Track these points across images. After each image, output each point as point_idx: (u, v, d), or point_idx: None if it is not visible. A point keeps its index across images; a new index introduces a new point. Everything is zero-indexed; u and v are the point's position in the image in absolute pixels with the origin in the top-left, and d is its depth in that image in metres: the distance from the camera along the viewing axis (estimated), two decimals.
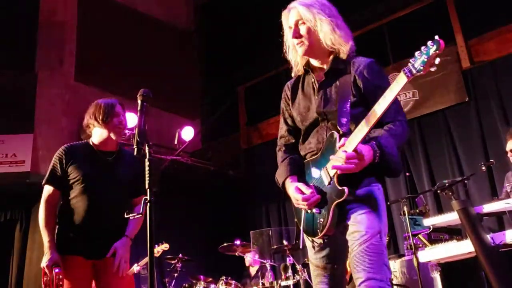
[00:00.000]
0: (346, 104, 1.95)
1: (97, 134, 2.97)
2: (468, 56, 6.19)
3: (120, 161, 2.98)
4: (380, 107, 1.80)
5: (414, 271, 4.41)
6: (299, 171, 2.14)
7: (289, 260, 5.34)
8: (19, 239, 6.87)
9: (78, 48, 7.33)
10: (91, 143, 2.97)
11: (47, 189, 2.91)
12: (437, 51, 1.69)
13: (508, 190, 4.21)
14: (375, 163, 1.87)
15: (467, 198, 5.57)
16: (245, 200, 7.98)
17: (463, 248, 3.65)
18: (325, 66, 2.13)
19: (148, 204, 2.06)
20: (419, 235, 4.67)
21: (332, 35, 2.04)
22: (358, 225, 1.90)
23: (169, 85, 8.11)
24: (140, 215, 2.10)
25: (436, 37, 1.71)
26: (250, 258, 5.99)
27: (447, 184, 3.67)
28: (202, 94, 8.86)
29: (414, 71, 1.72)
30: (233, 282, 5.52)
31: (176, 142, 6.96)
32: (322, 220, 1.96)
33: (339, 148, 1.87)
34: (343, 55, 2.09)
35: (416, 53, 1.73)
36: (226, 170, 7.78)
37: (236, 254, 5.61)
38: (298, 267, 5.37)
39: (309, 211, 2.02)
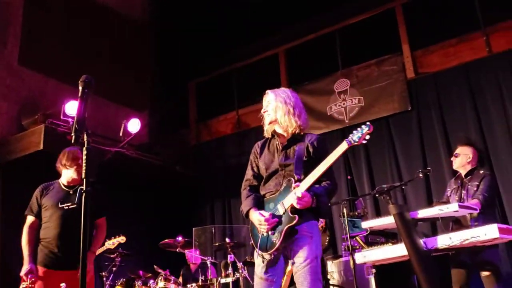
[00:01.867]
0: (300, 161, 2.76)
1: (64, 174, 3.82)
2: (413, 66, 6.44)
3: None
4: (323, 166, 2.62)
5: (351, 272, 4.52)
6: (260, 205, 2.84)
7: (230, 258, 5.35)
8: None
9: (23, 31, 7.01)
10: (60, 182, 3.82)
11: (29, 218, 3.76)
12: (368, 131, 2.63)
13: (448, 195, 4.40)
14: (312, 207, 2.66)
15: (404, 203, 5.79)
16: (191, 196, 7.92)
17: (397, 251, 3.76)
18: (285, 134, 2.92)
19: (84, 194, 2.01)
20: (357, 237, 4.79)
21: (283, 118, 2.89)
22: (302, 251, 2.62)
23: (118, 75, 7.90)
24: (75, 205, 2.05)
25: (368, 123, 2.65)
26: (191, 255, 5.96)
27: (385, 189, 3.77)
28: (153, 86, 8.71)
29: (352, 142, 2.64)
30: (172, 277, 5.47)
31: (121, 134, 6.80)
32: (275, 239, 2.65)
33: (294, 188, 2.66)
34: (299, 131, 2.89)
35: (354, 131, 2.65)
36: (173, 166, 7.67)
37: (177, 250, 5.56)
38: (239, 264, 5.39)
39: (265, 233, 2.69)
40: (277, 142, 2.93)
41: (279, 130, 2.93)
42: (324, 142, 2.90)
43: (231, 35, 7.94)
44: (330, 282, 5.22)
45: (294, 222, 2.60)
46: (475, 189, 4.15)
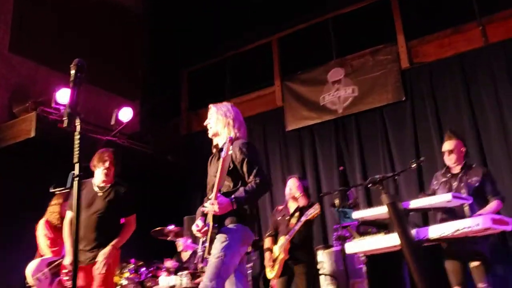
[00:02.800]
0: (224, 171, 2.96)
1: (95, 174, 4.10)
2: (408, 56, 6.43)
3: (109, 194, 4.03)
4: (216, 178, 2.95)
5: (341, 261, 4.54)
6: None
7: None
8: None
9: (14, 18, 6.90)
10: (92, 181, 4.10)
11: (68, 214, 4.04)
12: (229, 145, 2.93)
13: (435, 188, 4.38)
14: (234, 209, 2.89)
15: (396, 193, 5.81)
16: (182, 186, 7.90)
17: (389, 241, 3.75)
18: (217, 141, 3.22)
19: (77, 179, 1.98)
20: (348, 227, 4.81)
21: (223, 130, 3.15)
22: (213, 249, 2.89)
23: (110, 63, 7.82)
24: (68, 189, 2.02)
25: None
26: (182, 243, 5.94)
27: (378, 179, 3.77)
28: (145, 75, 8.63)
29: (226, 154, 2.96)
30: (163, 266, 5.47)
31: (113, 123, 6.75)
32: (205, 245, 2.98)
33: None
34: (229, 151, 3.01)
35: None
36: (164, 155, 7.63)
37: (168, 238, 5.55)
38: None
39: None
40: (217, 156, 3.14)
41: (220, 143, 3.16)
42: (246, 147, 3.08)
43: (224, 23, 7.88)
44: (321, 271, 5.24)
45: (211, 231, 2.92)
46: (477, 184, 4.05)
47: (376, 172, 5.87)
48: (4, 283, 5.86)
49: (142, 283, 5.60)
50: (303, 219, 4.70)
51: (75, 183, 1.95)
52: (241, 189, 2.96)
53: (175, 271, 5.51)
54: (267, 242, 5.11)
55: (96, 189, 4.04)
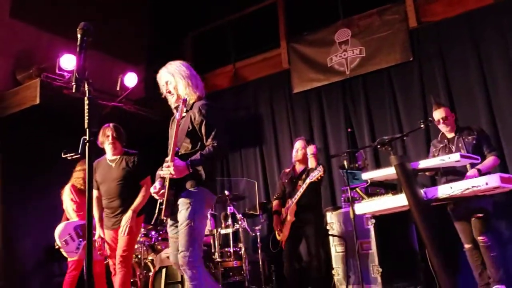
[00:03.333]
0: (183, 133, 3.01)
1: (106, 150, 4.39)
2: (416, 15, 6.28)
3: (121, 163, 4.33)
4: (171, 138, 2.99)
5: (350, 222, 4.58)
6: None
7: (230, 209, 5.41)
8: None
9: None
10: (106, 157, 4.41)
11: (94, 192, 4.31)
12: (183, 107, 3.03)
13: (436, 155, 4.42)
14: (192, 172, 2.90)
15: (405, 154, 5.80)
16: None
17: (397, 201, 3.78)
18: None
19: (87, 144, 1.98)
20: (357, 189, 4.82)
21: (184, 92, 3.14)
22: (180, 216, 2.93)
23: (113, 28, 7.68)
24: (79, 155, 2.02)
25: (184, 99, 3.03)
26: None
27: (386, 140, 3.77)
28: (149, 40, 8.51)
29: (178, 117, 3.02)
30: None
31: (118, 88, 6.70)
32: (162, 207, 2.98)
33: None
34: (191, 101, 3.13)
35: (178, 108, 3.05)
36: (169, 120, 7.60)
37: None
38: (238, 216, 5.46)
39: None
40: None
41: (177, 104, 3.14)
42: (206, 109, 3.05)
43: None
44: (330, 232, 5.30)
45: (171, 194, 2.93)
46: (474, 142, 4.25)
47: (384, 133, 5.84)
48: (30, 245, 6.03)
49: (152, 246, 5.70)
50: (308, 181, 4.72)
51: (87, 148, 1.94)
52: (198, 153, 2.96)
53: None
54: (274, 205, 5.16)
55: (109, 163, 4.34)
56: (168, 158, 2.89)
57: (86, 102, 2.02)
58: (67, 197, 4.99)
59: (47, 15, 6.89)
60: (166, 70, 3.23)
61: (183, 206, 2.92)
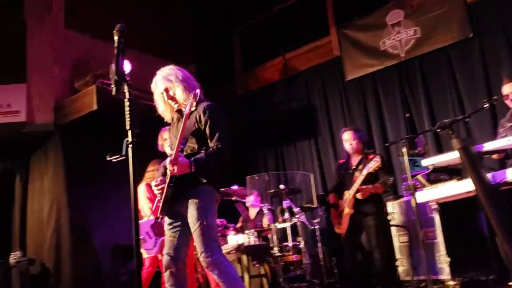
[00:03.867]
0: (188, 132, 2.97)
1: (167, 152, 4.24)
2: None
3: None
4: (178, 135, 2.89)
5: (412, 211, 4.38)
6: None
7: (286, 203, 5.32)
8: (20, 189, 6.89)
9: None
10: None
11: None
12: (193, 100, 2.94)
13: (503, 135, 4.12)
14: (194, 171, 2.85)
15: (468, 137, 5.48)
16: (242, 146, 7.91)
17: (463, 187, 3.55)
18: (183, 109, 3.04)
19: (130, 146, 1.96)
20: (418, 176, 4.60)
21: (182, 97, 3.08)
22: (190, 218, 2.89)
23: (162, 30, 7.83)
24: (123, 157, 2.01)
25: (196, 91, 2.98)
26: (250, 202, 6.00)
27: (447, 123, 3.55)
28: (197, 38, 8.58)
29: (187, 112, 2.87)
30: (231, 225, 5.55)
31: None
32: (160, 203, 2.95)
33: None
34: (193, 108, 2.96)
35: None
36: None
37: (233, 198, 5.59)
38: (295, 209, 5.36)
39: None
40: (181, 120, 3.04)
41: (183, 109, 3.06)
42: (211, 109, 3.04)
43: None
44: (391, 223, 5.11)
45: (170, 192, 2.89)
46: None
47: (445, 116, 5.56)
48: (98, 244, 6.28)
49: None
50: (365, 172, 4.53)
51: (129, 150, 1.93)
52: (203, 152, 2.93)
53: (243, 230, 5.59)
54: (330, 198, 5.02)
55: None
56: (173, 153, 2.84)
57: (127, 103, 2.00)
58: (143, 196, 5.08)
59: (99, 23, 7.09)
60: (162, 77, 3.21)
61: (192, 206, 2.90)
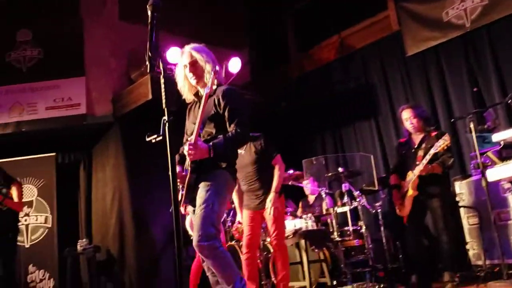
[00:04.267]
0: (206, 116, 2.84)
1: None
2: None
3: (249, 150, 4.50)
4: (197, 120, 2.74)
5: (483, 191, 4.05)
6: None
7: (345, 187, 5.12)
8: (84, 178, 7.14)
9: None
10: None
11: None
12: (214, 77, 2.76)
13: None
14: (213, 155, 2.73)
15: None
16: (299, 130, 7.74)
17: None
18: (201, 90, 2.97)
19: (167, 124, 1.88)
20: (488, 153, 4.26)
21: (208, 75, 2.88)
22: (198, 199, 2.76)
23: (214, 17, 7.78)
24: (161, 137, 1.94)
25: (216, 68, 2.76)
26: (308, 187, 5.85)
27: None
28: (249, 22, 8.45)
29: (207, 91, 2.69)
30: (288, 210, 5.44)
31: (223, 75, 6.72)
32: (183, 192, 2.84)
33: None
34: (214, 86, 2.82)
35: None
36: (278, 102, 7.48)
37: (289, 183, 5.45)
38: (355, 193, 5.15)
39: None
40: (198, 104, 2.95)
41: (201, 91, 2.98)
42: (230, 93, 2.91)
43: None
44: (460, 204, 4.78)
45: (192, 179, 2.79)
46: None
47: None
48: (159, 232, 6.41)
49: None
50: (432, 151, 4.22)
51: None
52: (221, 136, 2.80)
53: (302, 214, 5.46)
54: (392, 179, 4.75)
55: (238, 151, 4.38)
56: (192, 138, 2.72)
57: (162, 80, 1.92)
58: None
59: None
60: (193, 49, 3.03)
61: (204, 188, 2.77)
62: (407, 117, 4.60)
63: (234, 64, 6.76)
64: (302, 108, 7.59)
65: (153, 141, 2.18)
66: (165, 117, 1.88)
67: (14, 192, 4.96)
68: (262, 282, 5.26)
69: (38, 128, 6.51)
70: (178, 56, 3.05)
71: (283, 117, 7.59)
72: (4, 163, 5.64)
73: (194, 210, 2.82)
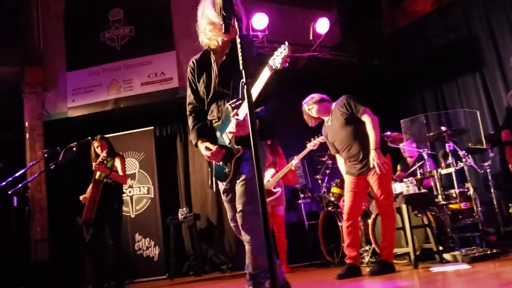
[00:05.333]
0: (237, 83, 2.47)
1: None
2: None
3: (335, 116, 4.33)
4: (254, 93, 2.31)
5: None
6: (207, 134, 2.74)
7: (449, 146, 4.73)
8: (181, 150, 7.39)
9: None
10: None
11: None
12: (288, 53, 2.15)
13: None
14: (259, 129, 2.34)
15: None
16: (395, 89, 7.29)
17: None
18: (221, 49, 2.66)
19: (246, 86, 1.77)
20: None
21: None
22: (243, 173, 2.59)
23: None
24: (240, 101, 1.85)
25: (286, 43, 2.15)
26: (407, 149, 5.52)
27: None
28: None
29: (273, 67, 2.20)
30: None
31: (311, 38, 6.49)
32: (227, 170, 2.66)
33: (233, 117, 2.48)
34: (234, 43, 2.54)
35: (275, 53, 2.18)
36: (370, 60, 7.09)
37: (388, 145, 5.15)
38: (461, 153, 4.75)
39: (218, 163, 2.70)
40: (213, 60, 2.68)
41: (218, 44, 2.67)
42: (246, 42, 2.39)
43: None
44: None
45: (239, 153, 2.58)
46: None
47: None
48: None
49: (369, 193, 5.42)
50: None
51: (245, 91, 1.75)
52: (262, 108, 2.57)
53: (401, 177, 5.16)
54: (504, 135, 4.28)
55: (326, 123, 4.35)
56: (241, 115, 2.46)
57: (238, 41, 1.81)
58: None
59: None
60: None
61: (249, 162, 2.59)
62: None
63: (322, 25, 6.53)
64: (398, 65, 7.14)
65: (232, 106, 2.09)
66: (243, 79, 1.77)
67: (118, 165, 5.23)
68: (363, 249, 5.13)
69: (135, 104, 6.80)
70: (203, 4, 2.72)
71: (377, 76, 7.19)
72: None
73: (229, 188, 2.70)
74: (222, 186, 2.75)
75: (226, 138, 2.63)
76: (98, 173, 5.09)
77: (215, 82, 2.65)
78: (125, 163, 5.46)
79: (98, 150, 5.21)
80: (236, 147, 2.56)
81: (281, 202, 5.29)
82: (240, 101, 2.46)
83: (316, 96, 4.31)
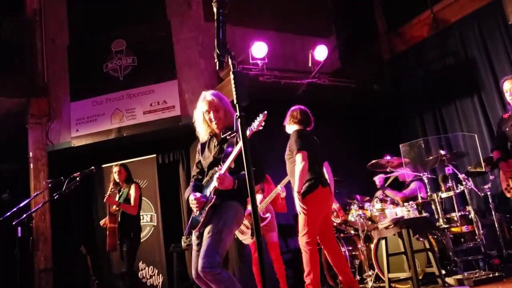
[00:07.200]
0: (228, 154, 2.98)
1: None
2: None
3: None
4: (235, 152, 2.88)
5: None
6: (199, 191, 3.15)
7: (448, 170, 4.77)
8: (184, 177, 7.41)
9: None
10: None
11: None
12: (263, 118, 2.70)
13: None
14: (234, 189, 2.93)
15: None
16: (395, 113, 7.37)
17: None
18: (219, 132, 3.22)
19: (239, 119, 1.84)
20: None
21: (227, 119, 3.17)
22: (210, 225, 2.92)
23: (298, 7, 7.68)
24: (235, 133, 1.91)
25: (265, 112, 2.71)
26: (404, 173, 5.55)
27: None
28: (334, 7, 8.22)
29: (252, 129, 2.71)
30: (388, 198, 5.20)
31: (310, 64, 6.60)
32: (200, 218, 2.99)
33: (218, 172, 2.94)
34: (230, 128, 3.10)
35: (256, 118, 2.71)
36: (369, 85, 7.19)
37: (388, 170, 5.20)
38: (461, 176, 4.78)
39: (196, 212, 3.04)
40: (215, 141, 3.21)
41: (217, 130, 3.21)
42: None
43: None
44: None
45: (213, 201, 2.92)
46: None
47: None
48: None
49: (370, 218, 5.45)
50: None
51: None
52: (243, 172, 2.64)
53: (402, 201, 5.19)
54: (495, 155, 4.34)
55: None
56: (223, 169, 2.89)
57: (232, 76, 1.88)
58: None
59: (237, 10, 7.22)
60: (216, 96, 3.22)
61: (218, 215, 2.93)
62: (508, 89, 4.17)
63: (320, 52, 6.63)
64: (397, 90, 7.23)
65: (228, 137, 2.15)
66: (237, 113, 1.84)
67: (132, 193, 5.37)
68: (366, 274, 5.13)
69: (138, 132, 6.90)
70: (199, 101, 3.23)
71: (377, 100, 7.28)
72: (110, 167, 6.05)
73: (198, 235, 3.01)
74: (194, 235, 3.08)
75: (208, 191, 3.02)
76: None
77: (213, 154, 3.14)
78: (140, 191, 5.56)
79: (116, 177, 5.36)
80: (213, 196, 2.93)
81: (272, 229, 5.27)
82: (234, 133, 2.92)
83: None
